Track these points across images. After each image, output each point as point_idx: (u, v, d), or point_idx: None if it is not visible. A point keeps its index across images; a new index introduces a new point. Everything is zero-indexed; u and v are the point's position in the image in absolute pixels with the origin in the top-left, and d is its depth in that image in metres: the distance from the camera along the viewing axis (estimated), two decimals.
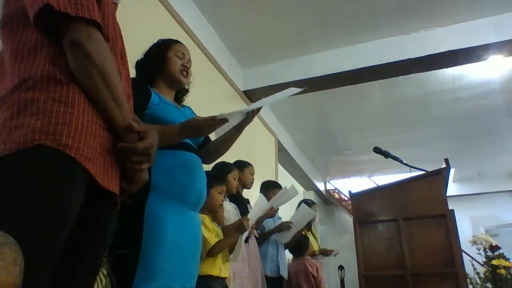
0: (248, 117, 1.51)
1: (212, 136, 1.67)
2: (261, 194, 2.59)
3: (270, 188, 3.13)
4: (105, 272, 1.32)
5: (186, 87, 1.70)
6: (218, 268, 1.89)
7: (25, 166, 0.72)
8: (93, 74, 0.80)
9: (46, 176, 0.72)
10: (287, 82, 4.00)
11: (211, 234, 1.88)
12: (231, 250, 2.06)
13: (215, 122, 1.33)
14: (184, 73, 1.60)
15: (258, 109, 1.51)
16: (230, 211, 2.31)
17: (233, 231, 1.98)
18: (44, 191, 0.71)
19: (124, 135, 0.85)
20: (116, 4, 1.05)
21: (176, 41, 1.66)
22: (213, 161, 1.75)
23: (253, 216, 2.10)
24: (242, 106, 4.09)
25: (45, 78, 0.78)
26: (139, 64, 1.64)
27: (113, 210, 0.90)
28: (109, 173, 0.83)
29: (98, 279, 1.33)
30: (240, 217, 2.31)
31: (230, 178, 2.35)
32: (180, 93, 1.69)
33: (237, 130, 1.57)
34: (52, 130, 0.74)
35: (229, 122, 1.39)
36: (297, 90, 1.53)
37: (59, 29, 0.80)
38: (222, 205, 2.08)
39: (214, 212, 2.04)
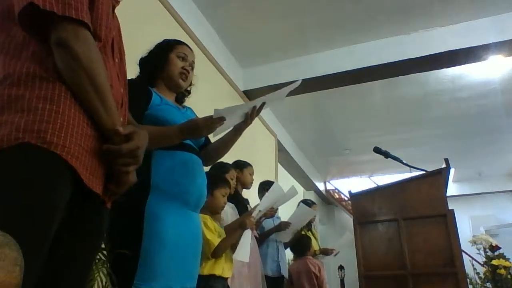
0: (247, 120, 1.49)
1: (212, 139, 1.67)
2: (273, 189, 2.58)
3: (268, 188, 3.12)
4: (105, 271, 1.32)
5: (188, 88, 1.69)
6: (221, 267, 1.90)
7: (8, 164, 0.71)
8: (79, 74, 0.79)
9: (30, 175, 0.71)
10: (287, 82, 3.96)
11: (213, 235, 1.88)
12: (234, 249, 2.06)
13: (213, 121, 1.33)
14: (183, 77, 1.58)
15: (258, 112, 1.50)
16: (227, 211, 2.30)
17: (236, 228, 1.98)
18: (28, 189, 0.70)
19: (110, 137, 0.84)
20: (117, 2, 1.03)
21: (181, 42, 1.64)
22: (212, 163, 1.76)
23: (254, 213, 2.10)
24: None
25: (30, 75, 0.77)
26: (142, 62, 1.64)
27: (101, 210, 0.89)
28: (95, 173, 0.82)
29: (99, 279, 1.33)
30: (238, 217, 2.31)
31: (227, 178, 2.34)
32: (181, 93, 1.68)
33: (236, 132, 1.57)
34: (36, 128, 0.73)
35: (228, 121, 1.38)
36: (294, 86, 1.52)
37: (46, 27, 0.79)
38: (223, 207, 2.07)
39: (215, 213, 2.03)
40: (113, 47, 0.95)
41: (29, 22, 0.79)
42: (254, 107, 1.47)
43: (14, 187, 0.70)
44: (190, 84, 1.69)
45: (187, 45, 1.65)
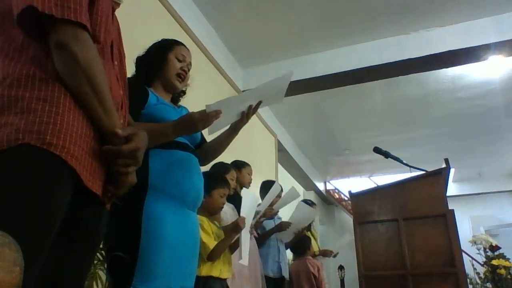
0: (243, 118, 1.50)
1: (208, 138, 1.67)
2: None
3: (269, 188, 3.12)
4: (103, 272, 1.32)
5: (183, 89, 1.69)
6: (218, 269, 1.89)
7: (9, 166, 0.71)
8: (78, 76, 0.79)
9: (31, 176, 0.71)
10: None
11: (210, 237, 1.87)
12: (232, 250, 2.05)
13: (209, 114, 1.32)
14: (180, 79, 1.58)
15: (255, 110, 1.49)
16: (227, 211, 2.29)
17: (229, 232, 1.96)
18: (29, 190, 0.70)
19: (110, 139, 0.84)
20: (117, 4, 1.03)
21: (179, 43, 1.64)
22: (208, 162, 1.74)
23: (245, 213, 2.04)
24: None
25: (30, 77, 0.77)
26: (139, 61, 1.63)
27: (101, 211, 0.89)
28: (94, 174, 0.82)
29: (98, 280, 1.33)
30: (238, 217, 2.30)
31: (227, 178, 2.33)
32: (177, 93, 1.68)
33: (233, 131, 1.56)
34: (36, 129, 0.73)
35: (224, 119, 1.38)
36: (287, 79, 1.51)
37: (45, 30, 0.79)
38: (222, 208, 2.06)
39: (213, 214, 2.02)
40: (112, 50, 0.95)
41: (28, 24, 0.79)
42: (250, 105, 1.46)
43: (15, 188, 0.69)
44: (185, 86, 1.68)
45: (185, 45, 1.65)
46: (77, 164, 0.76)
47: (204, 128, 1.39)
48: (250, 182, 2.86)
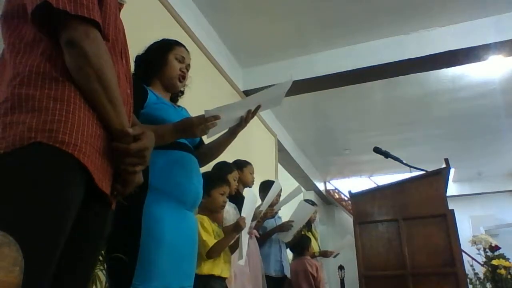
0: (242, 123, 1.50)
1: (206, 141, 1.67)
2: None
3: (269, 188, 3.13)
4: (103, 273, 1.32)
5: (182, 89, 1.69)
6: (220, 268, 1.90)
7: (21, 165, 0.71)
8: (89, 74, 0.79)
9: (43, 174, 0.71)
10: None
11: (210, 236, 1.88)
12: (233, 250, 2.05)
13: (208, 119, 1.33)
14: (181, 78, 1.60)
15: (253, 114, 1.50)
16: (229, 211, 2.30)
17: (230, 231, 1.98)
18: (42, 189, 0.70)
19: (118, 137, 0.84)
20: (121, 5, 1.04)
21: (179, 43, 1.65)
22: (206, 164, 1.74)
23: (246, 213, 2.06)
24: None
25: (40, 75, 0.77)
26: (138, 60, 1.63)
27: (107, 211, 0.88)
28: (104, 173, 0.82)
29: (98, 281, 1.33)
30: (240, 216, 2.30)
31: (230, 179, 2.34)
32: (175, 94, 1.68)
33: (231, 135, 1.57)
34: (48, 127, 0.73)
35: (222, 123, 1.38)
36: (286, 86, 1.51)
37: (57, 27, 0.80)
38: (223, 206, 2.07)
39: (215, 213, 2.03)
40: (121, 48, 0.96)
41: (40, 21, 0.79)
42: (249, 110, 1.47)
43: (28, 187, 0.69)
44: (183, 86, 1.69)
45: (184, 46, 1.66)
46: (89, 162, 0.76)
47: (202, 134, 1.39)
48: (253, 181, 2.86)
